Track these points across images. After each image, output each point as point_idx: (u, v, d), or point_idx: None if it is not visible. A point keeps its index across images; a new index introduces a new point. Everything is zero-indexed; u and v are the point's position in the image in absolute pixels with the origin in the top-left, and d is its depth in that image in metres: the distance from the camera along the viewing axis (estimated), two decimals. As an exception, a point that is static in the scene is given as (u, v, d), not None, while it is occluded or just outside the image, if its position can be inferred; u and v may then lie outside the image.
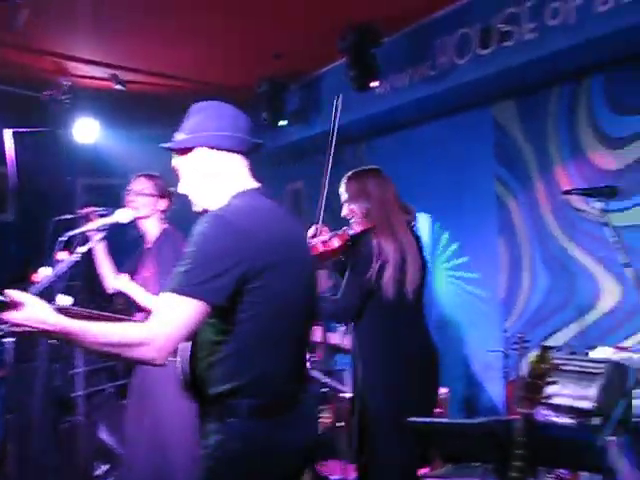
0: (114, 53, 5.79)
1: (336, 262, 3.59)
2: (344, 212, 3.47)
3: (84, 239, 3.54)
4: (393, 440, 3.11)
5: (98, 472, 5.06)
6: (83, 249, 3.09)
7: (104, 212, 3.73)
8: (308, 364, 2.38)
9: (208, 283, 1.93)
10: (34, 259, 7.10)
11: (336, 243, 3.34)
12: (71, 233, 3.15)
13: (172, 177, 4.28)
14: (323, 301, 3.34)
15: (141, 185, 3.87)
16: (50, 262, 3.08)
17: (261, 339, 2.04)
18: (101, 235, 3.18)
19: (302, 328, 2.19)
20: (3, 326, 2.56)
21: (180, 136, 2.22)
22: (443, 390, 5.38)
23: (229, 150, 2.19)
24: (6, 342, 3.05)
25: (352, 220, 3.43)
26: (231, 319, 2.02)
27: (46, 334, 1.93)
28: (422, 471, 5.14)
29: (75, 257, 3.01)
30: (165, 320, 1.91)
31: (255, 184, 2.24)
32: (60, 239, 3.06)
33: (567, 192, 3.67)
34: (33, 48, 5.55)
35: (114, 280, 3.72)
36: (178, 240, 3.68)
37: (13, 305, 1.88)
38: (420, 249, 3.40)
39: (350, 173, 3.48)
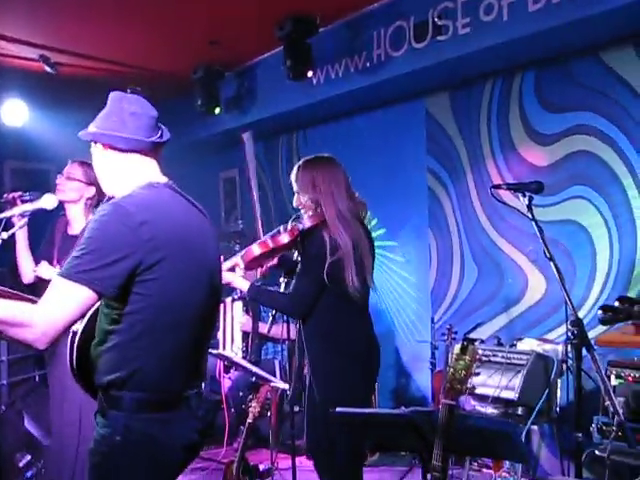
0: (45, 33, 5.60)
1: (283, 259, 3.57)
2: (295, 202, 3.39)
3: (8, 225, 3.45)
4: (342, 430, 3.11)
5: (21, 462, 4.94)
6: (5, 235, 3.00)
7: (29, 197, 3.64)
8: (207, 363, 2.35)
9: (97, 271, 1.93)
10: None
11: (286, 239, 3.27)
12: (-7, 218, 3.06)
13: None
14: (276, 296, 3.34)
15: (71, 170, 3.82)
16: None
17: (148, 332, 2.03)
18: (24, 221, 3.09)
19: (197, 326, 2.16)
20: None
21: (91, 127, 2.22)
22: (373, 380, 5.43)
23: (124, 150, 2.19)
24: None
25: (302, 211, 3.38)
26: (121, 310, 2.03)
27: None
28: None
29: (-3, 243, 2.93)
30: (50, 304, 1.91)
31: (162, 178, 2.24)
32: None
33: (496, 186, 3.73)
34: (-43, 25, 5.34)
35: (34, 269, 3.64)
36: None
37: None
38: (370, 241, 3.39)
39: (301, 162, 3.39)
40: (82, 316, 1.97)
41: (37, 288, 3.93)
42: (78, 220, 3.88)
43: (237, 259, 3.40)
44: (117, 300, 2.01)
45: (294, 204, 3.40)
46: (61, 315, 1.90)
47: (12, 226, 3.42)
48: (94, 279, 1.92)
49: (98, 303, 2.07)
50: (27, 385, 5.70)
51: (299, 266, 3.29)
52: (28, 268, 3.82)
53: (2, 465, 4.99)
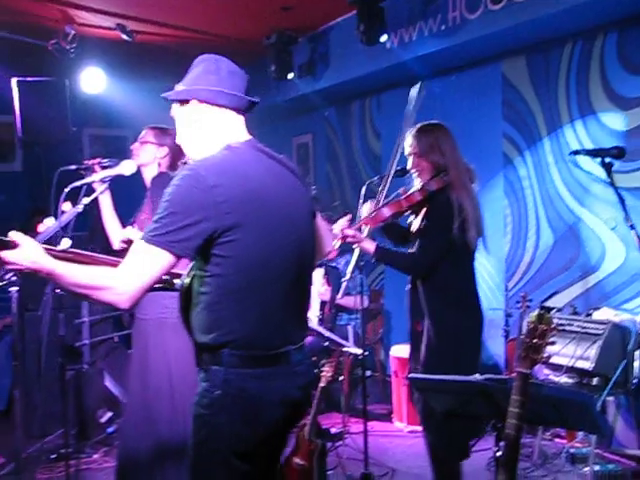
0: (121, 2, 5.70)
1: (387, 224, 3.61)
2: (410, 165, 3.49)
3: (90, 190, 3.54)
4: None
5: (103, 419, 5.13)
6: (86, 200, 3.09)
7: (109, 163, 3.72)
8: (308, 321, 2.35)
9: (173, 234, 1.97)
10: (41, 209, 7.18)
11: (418, 197, 3.40)
12: (75, 184, 3.14)
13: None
14: (401, 256, 3.44)
15: (143, 134, 3.89)
16: (55, 213, 3.07)
17: (234, 293, 2.06)
18: (104, 186, 3.16)
19: (287, 284, 2.16)
20: (7, 275, 2.58)
21: (179, 87, 2.23)
22: (444, 347, 5.41)
23: (221, 106, 2.19)
24: (12, 291, 3.08)
25: (415, 174, 3.46)
26: (206, 271, 2.07)
27: (34, 273, 2.03)
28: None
29: (78, 208, 3.01)
30: (130, 267, 1.99)
31: (246, 137, 2.23)
32: (65, 190, 3.04)
33: (575, 152, 3.63)
34: (39, -5, 5.48)
35: (122, 233, 3.72)
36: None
37: (11, 244, 2.00)
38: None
39: (420, 126, 3.52)
40: (160, 277, 2.02)
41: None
42: (147, 181, 3.91)
43: (364, 220, 3.50)
44: (203, 262, 2.06)
45: (409, 166, 3.50)
46: (140, 277, 1.97)
47: (93, 192, 3.52)
48: (170, 242, 1.97)
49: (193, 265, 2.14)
50: (107, 345, 5.89)
51: (424, 226, 3.38)
52: (116, 234, 3.86)
53: (85, 421, 5.20)
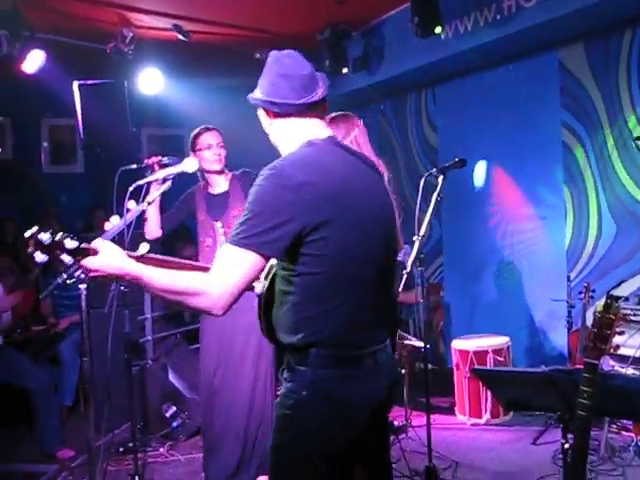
0: (176, 3, 5.77)
1: None
2: None
3: (149, 188, 3.62)
4: None
5: (167, 414, 5.23)
6: (150, 198, 3.15)
7: (168, 161, 3.79)
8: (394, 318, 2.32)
9: (262, 235, 1.95)
10: (102, 208, 7.34)
11: None
12: (139, 182, 3.21)
13: (233, 128, 4.37)
14: None
15: (221, 138, 4.15)
16: (119, 211, 3.13)
17: (322, 291, 2.04)
18: (168, 184, 3.22)
19: (374, 281, 2.13)
20: (77, 273, 2.65)
21: (256, 92, 2.22)
22: (505, 338, 5.37)
23: (280, 114, 2.18)
24: (80, 289, 3.16)
25: None
26: (293, 271, 2.05)
27: (118, 279, 2.07)
28: (485, 418, 5.19)
29: (143, 206, 3.07)
30: (221, 271, 1.97)
31: (324, 134, 2.20)
32: (129, 189, 3.11)
33: (638, 138, 3.55)
34: (97, 0, 5.58)
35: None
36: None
37: (91, 251, 2.05)
38: None
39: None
40: (253, 280, 2.01)
41: (164, 242, 4.33)
42: (220, 181, 4.19)
43: None
44: (289, 261, 2.04)
45: None
46: (233, 281, 1.95)
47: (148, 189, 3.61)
48: (260, 243, 1.95)
49: (273, 266, 2.14)
50: (169, 341, 6.00)
51: None
52: (155, 225, 4.11)
53: (150, 415, 5.31)
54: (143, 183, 3.23)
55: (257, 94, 2.20)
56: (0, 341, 5.14)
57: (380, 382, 2.15)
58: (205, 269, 2.03)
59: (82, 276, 2.91)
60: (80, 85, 6.08)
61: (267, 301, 2.18)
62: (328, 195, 2.01)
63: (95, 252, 2.05)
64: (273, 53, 2.22)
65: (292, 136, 2.19)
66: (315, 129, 2.20)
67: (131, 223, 3.10)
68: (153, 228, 4.10)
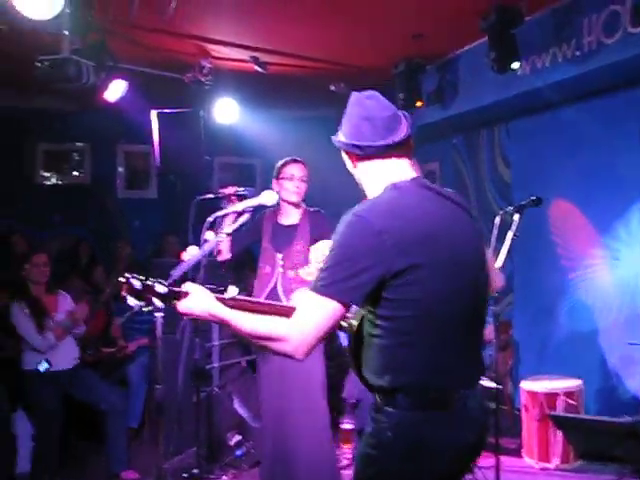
0: (254, 35, 5.90)
1: None
2: None
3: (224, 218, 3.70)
4: None
5: (232, 442, 5.26)
6: (229, 229, 3.21)
7: (244, 192, 3.87)
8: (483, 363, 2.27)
9: (342, 283, 1.98)
10: (173, 233, 7.50)
11: None
12: (219, 214, 3.29)
13: (305, 159, 4.43)
14: None
15: (305, 172, 4.25)
16: (196, 239, 3.21)
17: (407, 336, 2.03)
18: (246, 216, 3.29)
19: (461, 325, 2.11)
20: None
21: (339, 135, 2.24)
22: (578, 381, 5.24)
23: (363, 157, 2.20)
24: (156, 317, 3.23)
25: None
26: (378, 315, 2.06)
27: (207, 320, 2.18)
28: (554, 463, 5.06)
29: (221, 237, 3.14)
30: (302, 318, 2.02)
31: (410, 175, 2.20)
32: (209, 219, 3.18)
33: None
34: (178, 32, 5.74)
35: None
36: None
37: (182, 295, 2.17)
38: None
39: None
40: (333, 327, 2.05)
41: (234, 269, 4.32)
42: (292, 213, 4.27)
43: None
44: (373, 306, 2.05)
45: None
46: (312, 328, 2.00)
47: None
48: (340, 291, 1.98)
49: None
50: (235, 369, 6.05)
51: None
52: (226, 249, 4.21)
53: (214, 443, 5.35)
54: (222, 214, 3.31)
55: (340, 137, 2.23)
56: (78, 358, 5.30)
57: (468, 428, 2.12)
58: (290, 310, 2.06)
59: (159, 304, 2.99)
60: (158, 114, 6.27)
61: (357, 340, 2.20)
62: (412, 240, 2.01)
63: (185, 295, 2.16)
64: (354, 95, 2.24)
65: (376, 178, 2.20)
66: (400, 170, 2.20)
67: (209, 254, 3.18)
68: (225, 252, 4.22)
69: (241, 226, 3.42)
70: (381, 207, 2.08)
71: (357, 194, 3.29)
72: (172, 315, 4.73)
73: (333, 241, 2.04)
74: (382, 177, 2.19)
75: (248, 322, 2.08)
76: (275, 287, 4.14)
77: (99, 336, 6.46)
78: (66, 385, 5.11)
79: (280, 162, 4.30)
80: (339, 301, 1.99)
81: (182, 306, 2.16)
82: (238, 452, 5.23)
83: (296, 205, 4.25)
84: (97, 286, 7.01)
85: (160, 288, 2.18)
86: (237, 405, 5.39)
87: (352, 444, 5.35)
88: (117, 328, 6.50)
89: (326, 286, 1.99)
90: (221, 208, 3.76)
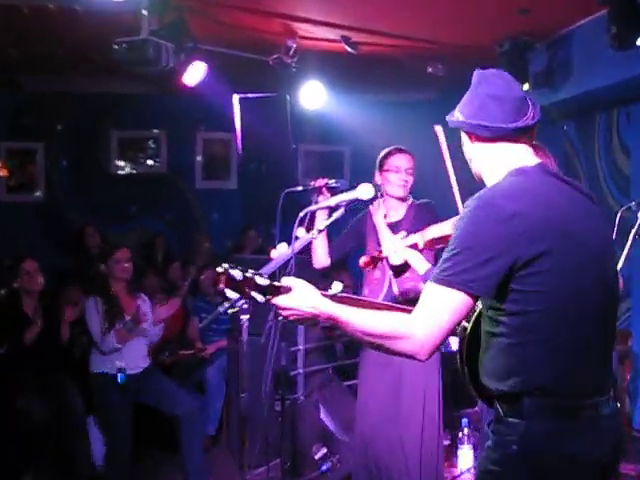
0: (345, 13, 5.87)
1: None
2: None
3: (314, 213, 3.69)
4: None
5: (317, 455, 5.26)
6: (322, 226, 3.20)
7: (337, 184, 3.84)
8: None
9: (470, 272, 1.95)
10: (253, 227, 7.56)
11: None
12: (311, 208, 3.27)
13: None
14: None
15: (412, 164, 4.16)
16: (285, 236, 3.21)
17: (537, 333, 2.00)
18: (341, 212, 3.27)
19: (594, 322, 2.07)
20: (240, 302, 2.73)
21: (457, 114, 2.24)
22: None
23: (488, 139, 2.18)
24: (242, 319, 3.25)
25: None
26: (503, 310, 2.02)
27: (313, 319, 2.14)
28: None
29: (313, 234, 3.13)
30: (426, 312, 1.98)
31: (533, 161, 2.18)
32: (300, 215, 3.16)
33: None
34: (262, 10, 5.76)
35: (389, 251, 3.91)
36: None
37: (283, 290, 2.13)
38: None
39: None
40: (461, 321, 2.03)
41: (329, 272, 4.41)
42: (397, 208, 4.20)
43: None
44: (498, 300, 2.02)
45: None
46: (439, 322, 1.97)
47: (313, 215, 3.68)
48: (467, 281, 1.95)
49: (480, 306, 2.14)
50: (322, 376, 6.05)
51: None
52: (324, 254, 4.16)
53: (298, 455, 5.36)
54: (315, 209, 3.29)
55: (459, 116, 2.22)
56: (148, 362, 5.34)
57: (604, 439, 2.07)
58: (401, 310, 2.04)
59: (245, 307, 3.01)
60: (241, 98, 6.33)
61: (470, 345, 2.19)
62: (543, 225, 1.99)
63: (287, 290, 2.14)
64: (480, 72, 2.24)
65: (500, 162, 2.18)
66: (523, 156, 2.18)
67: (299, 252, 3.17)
68: (322, 257, 4.17)
69: (335, 222, 3.39)
70: (510, 191, 2.06)
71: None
72: (258, 316, 4.79)
73: (457, 227, 2.02)
74: (506, 161, 2.17)
75: (363, 318, 2.05)
76: (390, 290, 4.09)
77: (176, 337, 6.58)
78: (135, 392, 5.13)
79: (384, 152, 4.24)
80: (468, 293, 1.96)
81: (285, 301, 2.13)
82: (323, 466, 5.21)
83: (402, 199, 4.19)
84: (174, 283, 7.14)
85: (262, 280, 2.15)
86: (324, 415, 5.38)
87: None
88: (194, 329, 6.60)
89: (452, 276, 1.96)
90: (311, 202, 3.75)
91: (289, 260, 3.08)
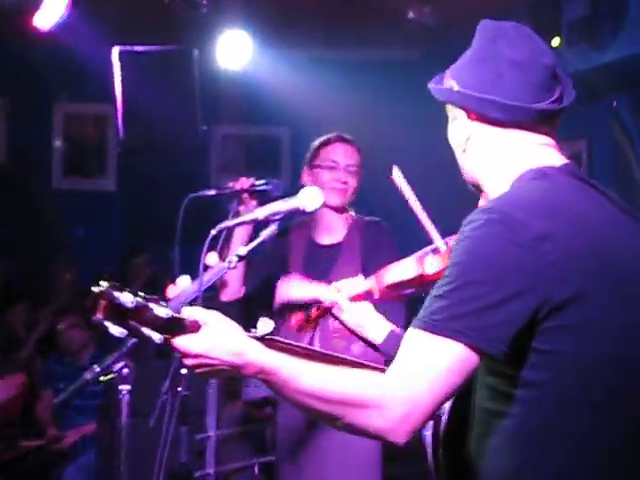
0: None
1: None
2: None
3: (230, 231, 3.72)
4: None
5: None
6: (243, 251, 3.23)
7: (268, 187, 3.90)
8: None
9: (476, 318, 1.92)
10: (142, 251, 7.52)
11: None
12: (228, 224, 3.29)
13: (364, 129, 4.41)
14: None
15: (356, 158, 4.25)
16: (195, 266, 3.24)
17: (566, 414, 2.00)
18: (272, 229, 3.30)
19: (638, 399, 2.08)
20: (118, 366, 2.77)
21: (447, 79, 2.26)
22: None
23: (499, 123, 2.19)
24: (122, 390, 3.27)
25: None
26: (518, 377, 2.01)
27: (232, 373, 2.11)
28: None
29: (230, 263, 3.16)
30: (409, 374, 1.94)
31: (559, 160, 2.19)
32: (212, 233, 3.17)
33: None
34: None
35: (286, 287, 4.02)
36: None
37: (190, 326, 2.07)
38: None
39: None
40: (459, 389, 1.97)
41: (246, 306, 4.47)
42: (335, 224, 4.27)
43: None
44: (509, 363, 1.99)
45: None
46: (428, 387, 1.92)
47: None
48: (473, 330, 1.91)
49: None
50: (244, 477, 6.08)
51: None
52: (237, 282, 4.23)
53: None
54: (233, 225, 3.34)
55: (453, 85, 2.23)
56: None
57: None
58: (368, 368, 2.06)
59: (126, 372, 3.05)
60: (122, 53, 6.30)
61: (453, 428, 2.20)
62: (583, 257, 2.00)
63: (197, 327, 2.09)
64: (492, 24, 2.24)
65: (512, 159, 2.19)
66: (546, 152, 2.20)
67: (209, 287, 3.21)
68: (234, 286, 4.24)
69: (261, 245, 3.42)
70: (534, 201, 2.05)
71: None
72: (145, 387, 4.82)
73: (458, 251, 2.00)
74: (523, 158, 2.18)
75: (315, 375, 2.00)
76: (311, 342, 4.14)
77: (17, 420, 6.54)
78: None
79: (317, 141, 4.33)
80: (470, 346, 1.92)
81: (193, 344, 2.07)
82: None
83: (340, 210, 4.25)
84: (13, 336, 7.09)
85: (161, 311, 2.09)
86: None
87: None
88: (46, 407, 6.55)
89: (448, 320, 1.93)
90: (228, 212, 3.80)
91: (194, 300, 3.11)
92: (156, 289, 3.42)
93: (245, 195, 3.92)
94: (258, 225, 3.49)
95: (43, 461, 6.43)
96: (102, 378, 2.86)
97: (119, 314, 2.05)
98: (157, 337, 2.07)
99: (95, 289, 2.02)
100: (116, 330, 2.04)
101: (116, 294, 2.04)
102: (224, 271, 3.21)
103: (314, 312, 3.87)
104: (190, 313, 2.10)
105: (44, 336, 6.75)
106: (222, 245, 3.50)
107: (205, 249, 3.09)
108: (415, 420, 1.92)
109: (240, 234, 3.81)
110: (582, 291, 1.96)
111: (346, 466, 4.11)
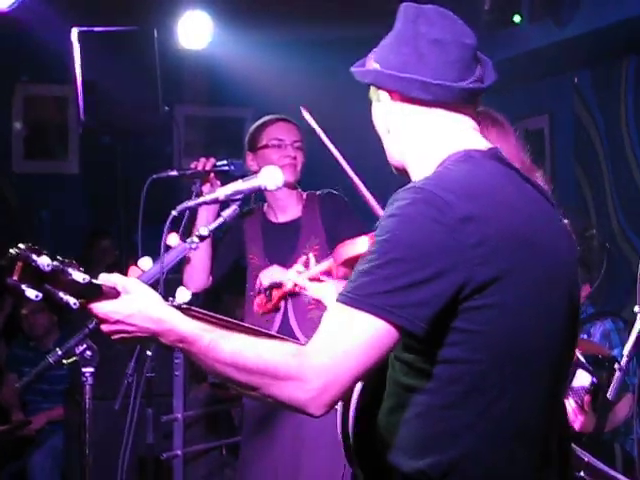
0: None
1: None
2: None
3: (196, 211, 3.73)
4: None
5: None
6: (205, 231, 3.23)
7: (230, 168, 3.90)
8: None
9: (399, 295, 1.95)
10: (103, 231, 7.51)
11: None
12: (188, 204, 3.28)
13: (324, 110, 4.44)
14: None
15: (299, 135, 4.33)
16: (154, 248, 3.24)
17: (479, 391, 2.05)
18: (233, 209, 3.30)
19: (549, 380, 2.15)
20: (82, 348, 2.77)
21: (370, 62, 2.28)
22: None
23: (423, 102, 2.21)
24: (85, 372, 3.26)
25: None
26: (435, 354, 2.05)
27: (151, 340, 2.15)
28: None
29: (192, 244, 3.15)
30: (329, 346, 1.97)
31: (484, 144, 2.24)
32: (172, 213, 3.18)
33: None
34: None
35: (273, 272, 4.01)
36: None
37: (108, 292, 2.09)
38: None
39: None
40: (378, 364, 2.00)
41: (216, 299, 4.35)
42: (288, 203, 4.37)
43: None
44: (427, 340, 2.02)
45: None
46: (348, 361, 1.95)
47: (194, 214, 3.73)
48: (395, 307, 1.94)
49: None
50: (211, 459, 6.09)
51: None
52: (203, 270, 4.24)
53: None
54: (194, 205, 3.34)
55: (376, 66, 2.25)
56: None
57: None
58: (286, 340, 2.09)
59: (89, 354, 3.05)
60: (81, 33, 6.28)
61: (365, 401, 2.22)
62: (504, 239, 2.04)
63: (116, 293, 2.11)
64: (412, 6, 2.26)
65: (437, 140, 2.23)
66: (470, 134, 2.25)
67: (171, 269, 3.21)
68: (200, 275, 4.25)
69: (223, 226, 3.42)
70: (460, 182, 2.08)
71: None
72: (109, 369, 4.82)
73: (384, 228, 2.02)
74: (447, 139, 2.22)
75: (234, 345, 2.01)
76: (286, 320, 4.17)
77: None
78: None
79: (255, 124, 4.43)
80: (393, 324, 1.95)
81: (111, 309, 2.10)
82: None
83: (292, 187, 4.31)
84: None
85: (78, 275, 2.07)
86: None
87: None
88: (11, 392, 6.54)
89: (371, 295, 1.95)
90: (191, 193, 3.80)
91: (157, 282, 3.11)
92: (121, 273, 3.40)
93: (208, 176, 3.93)
94: (223, 206, 3.50)
95: (10, 446, 6.39)
96: (65, 361, 2.83)
97: (36, 277, 2.06)
98: (73, 301, 2.08)
99: (12, 251, 2.06)
100: (32, 294, 2.05)
101: (34, 256, 2.06)
102: (186, 252, 3.20)
103: (275, 295, 3.88)
104: (108, 279, 2.12)
105: (8, 321, 6.71)
106: (186, 226, 3.50)
107: (166, 230, 3.10)
108: (333, 393, 1.96)
109: (204, 215, 3.84)
110: (502, 272, 2.01)
111: (315, 446, 4.11)
